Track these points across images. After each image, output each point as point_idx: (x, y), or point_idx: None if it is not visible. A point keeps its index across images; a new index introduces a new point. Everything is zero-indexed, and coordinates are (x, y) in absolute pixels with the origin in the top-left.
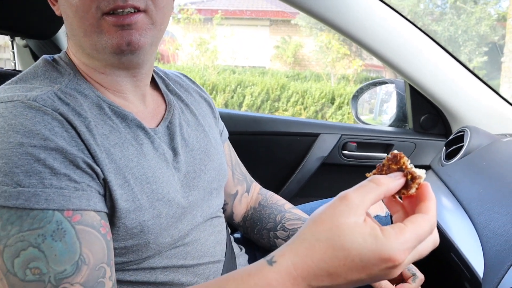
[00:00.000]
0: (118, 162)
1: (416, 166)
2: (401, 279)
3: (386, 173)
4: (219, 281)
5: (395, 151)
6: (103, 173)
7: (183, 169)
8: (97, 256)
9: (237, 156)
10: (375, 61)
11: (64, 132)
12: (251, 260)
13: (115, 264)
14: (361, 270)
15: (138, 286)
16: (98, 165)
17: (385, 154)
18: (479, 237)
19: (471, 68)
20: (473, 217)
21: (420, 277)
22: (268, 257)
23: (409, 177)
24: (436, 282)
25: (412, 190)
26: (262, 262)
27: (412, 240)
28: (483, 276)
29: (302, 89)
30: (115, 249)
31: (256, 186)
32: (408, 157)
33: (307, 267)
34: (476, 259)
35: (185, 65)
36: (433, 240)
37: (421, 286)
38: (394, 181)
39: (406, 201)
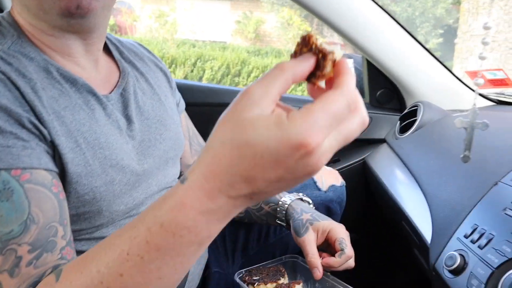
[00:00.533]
0: (69, 125)
1: (371, 140)
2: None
3: None
4: (140, 215)
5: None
6: (51, 136)
7: (138, 137)
8: (47, 214)
9: (194, 127)
10: (336, 39)
11: (7, 92)
12: None
13: None
14: (275, 166)
15: None
16: (45, 127)
17: None
18: (428, 205)
19: None
20: (423, 187)
21: (348, 253)
22: (182, 176)
23: (320, 56)
24: (387, 249)
25: (327, 69)
26: (177, 183)
27: (324, 119)
28: (430, 241)
29: (263, 65)
30: None
31: None
32: (365, 130)
33: (218, 176)
34: (425, 227)
35: (143, 37)
36: (360, 120)
37: (374, 253)
38: (301, 62)
39: (329, 87)
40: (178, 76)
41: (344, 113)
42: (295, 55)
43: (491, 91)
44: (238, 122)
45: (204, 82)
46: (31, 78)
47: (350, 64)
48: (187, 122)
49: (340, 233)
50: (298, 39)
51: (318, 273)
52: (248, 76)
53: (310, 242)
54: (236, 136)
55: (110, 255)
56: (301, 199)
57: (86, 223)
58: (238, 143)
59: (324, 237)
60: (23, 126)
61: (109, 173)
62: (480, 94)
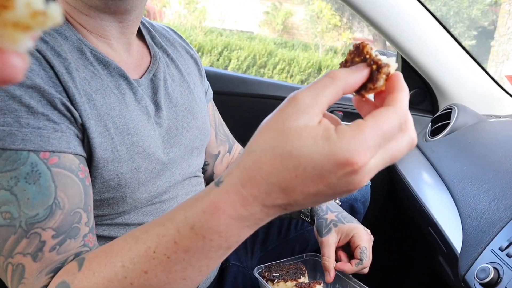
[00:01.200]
0: (100, 109)
1: None
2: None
3: None
4: (170, 213)
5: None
6: (82, 119)
7: (165, 125)
8: (73, 200)
9: (220, 116)
10: (365, 35)
11: (42, 71)
12: None
13: None
14: (317, 180)
15: None
16: (76, 110)
17: None
18: (459, 213)
19: None
20: (455, 193)
21: (365, 264)
22: (218, 178)
23: (374, 67)
24: (409, 253)
25: (380, 83)
26: (211, 185)
27: (374, 138)
28: (460, 251)
29: (289, 57)
30: None
31: (238, 147)
32: None
33: (256, 183)
34: (454, 234)
35: (171, 23)
36: (409, 140)
37: (394, 256)
38: (354, 73)
39: (378, 100)
40: (204, 64)
41: (395, 132)
42: (346, 63)
43: None
44: (284, 130)
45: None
46: (66, 58)
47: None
48: (214, 111)
49: (363, 240)
50: (351, 47)
51: (329, 277)
52: (274, 68)
53: (329, 244)
54: (280, 144)
55: (136, 250)
56: None
57: (109, 208)
58: (281, 153)
59: (347, 240)
60: (55, 107)
61: (136, 160)
62: None
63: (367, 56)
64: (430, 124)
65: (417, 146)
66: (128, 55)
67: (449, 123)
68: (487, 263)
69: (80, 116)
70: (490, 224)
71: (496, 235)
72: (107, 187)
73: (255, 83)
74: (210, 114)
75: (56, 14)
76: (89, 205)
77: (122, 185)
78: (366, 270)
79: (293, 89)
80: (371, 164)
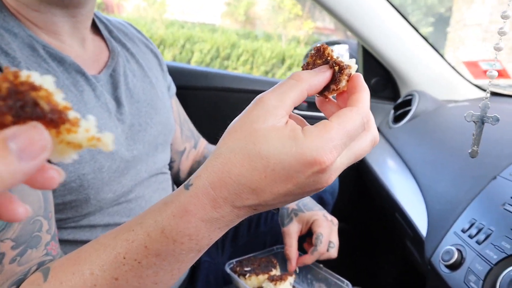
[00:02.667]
0: None
1: None
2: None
3: None
4: (139, 217)
5: (318, 44)
6: None
7: (128, 121)
8: (32, 208)
9: (184, 112)
10: (327, 24)
11: None
12: None
13: None
14: (286, 180)
15: (76, 246)
16: None
17: None
18: (423, 197)
19: None
20: (418, 178)
21: (320, 250)
22: (187, 181)
23: (336, 68)
24: (379, 240)
25: (342, 84)
26: (180, 188)
27: (339, 137)
28: (426, 234)
29: (253, 48)
30: None
31: (203, 142)
32: None
33: (225, 184)
34: (419, 219)
35: (130, 17)
36: (372, 138)
37: (365, 244)
38: (317, 74)
39: (340, 101)
40: (167, 58)
41: (358, 131)
42: (308, 66)
43: (487, 82)
44: (251, 132)
45: (193, 65)
46: (15, 57)
47: (344, 52)
48: (178, 107)
49: (321, 226)
50: (312, 51)
51: (291, 266)
52: (238, 59)
53: (290, 234)
54: (249, 146)
55: (105, 257)
56: None
57: (72, 211)
58: (250, 154)
59: (308, 228)
60: None
61: (98, 160)
62: (475, 85)
63: (329, 58)
64: (392, 111)
65: (381, 133)
66: (83, 50)
67: (410, 109)
68: (451, 245)
69: None
70: (452, 207)
71: (458, 218)
72: (69, 189)
73: (217, 77)
74: (174, 110)
75: (109, 142)
76: (50, 211)
77: (85, 187)
78: (334, 254)
79: (255, 81)
80: (337, 163)
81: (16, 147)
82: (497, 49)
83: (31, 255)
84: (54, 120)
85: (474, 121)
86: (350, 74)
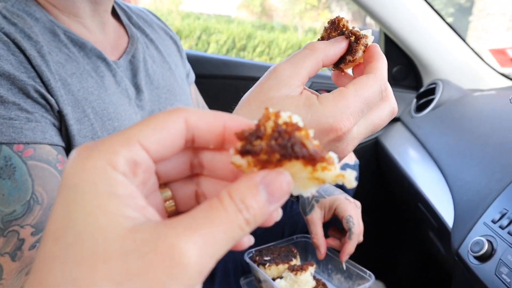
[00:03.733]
0: (76, 94)
1: None
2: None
3: None
4: None
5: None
6: (58, 105)
7: (147, 108)
8: (52, 194)
9: (203, 100)
10: (344, 14)
11: (11, 56)
12: None
13: None
14: None
15: None
16: (52, 96)
17: None
18: (449, 188)
19: None
20: (443, 168)
21: (356, 232)
22: None
23: (352, 38)
24: (400, 233)
25: (359, 54)
26: None
27: (356, 104)
28: (452, 225)
29: (269, 39)
30: None
31: None
32: None
33: None
34: (445, 209)
35: (147, 7)
36: (390, 108)
37: (385, 235)
38: (333, 44)
39: (357, 74)
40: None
41: (376, 99)
42: (323, 39)
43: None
44: (265, 101)
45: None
46: (38, 41)
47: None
48: (197, 95)
49: (347, 210)
50: (326, 24)
51: (320, 254)
52: (254, 50)
53: (314, 221)
54: None
55: None
56: None
57: None
58: None
59: (331, 213)
60: (27, 95)
61: None
62: (501, 74)
63: (344, 29)
64: (415, 100)
65: (403, 122)
66: (104, 35)
67: (433, 98)
68: (480, 236)
69: (57, 103)
70: (482, 197)
71: (488, 208)
72: None
73: (236, 65)
74: (193, 98)
75: (352, 178)
76: None
77: None
78: (361, 238)
79: None
80: (354, 132)
81: (266, 192)
82: None
83: None
84: (316, 158)
85: None
86: (367, 44)
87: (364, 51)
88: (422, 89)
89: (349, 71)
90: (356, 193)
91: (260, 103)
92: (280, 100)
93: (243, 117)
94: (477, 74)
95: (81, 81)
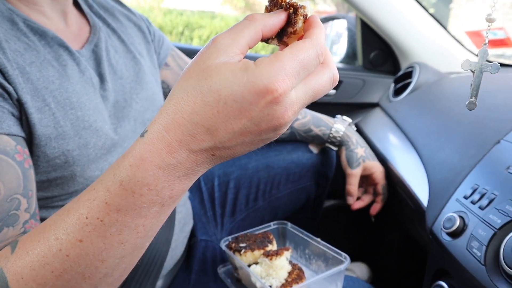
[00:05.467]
0: (36, 83)
1: (364, 104)
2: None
3: None
4: (100, 177)
5: None
6: (17, 93)
7: (111, 98)
8: (9, 186)
9: (189, 60)
10: (327, 7)
11: None
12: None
13: (38, 200)
14: (239, 115)
15: None
16: (10, 83)
17: (334, 91)
18: (424, 168)
19: None
20: (419, 148)
21: (384, 198)
22: (143, 131)
23: (291, 10)
24: (379, 216)
25: (298, 25)
26: (137, 138)
27: (291, 65)
28: (427, 204)
29: None
30: (37, 182)
31: None
32: (356, 94)
33: (179, 126)
34: (421, 190)
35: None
36: (330, 75)
37: (363, 220)
38: (272, 15)
39: None
40: None
41: (313, 63)
42: None
43: (491, 52)
44: (203, 68)
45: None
46: None
47: (342, 30)
48: (178, 60)
49: (383, 178)
50: (266, 3)
51: (352, 200)
52: None
53: (356, 176)
54: (200, 82)
55: (69, 220)
56: (349, 125)
57: (58, 189)
58: (201, 89)
59: (366, 174)
60: None
61: (83, 136)
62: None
63: (283, 3)
64: (392, 84)
65: (381, 107)
66: (65, 25)
67: (411, 82)
68: (453, 213)
69: (15, 91)
70: (455, 175)
71: (460, 184)
72: (53, 166)
73: None
74: (174, 66)
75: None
76: (30, 190)
77: (70, 163)
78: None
79: (256, 58)
80: (293, 96)
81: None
82: (490, 20)
83: (7, 233)
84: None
85: (471, 70)
86: (306, 15)
87: (304, 22)
88: (399, 73)
89: None
90: (336, 180)
91: (199, 71)
92: (218, 66)
93: (181, 90)
94: (454, 57)
95: (41, 70)
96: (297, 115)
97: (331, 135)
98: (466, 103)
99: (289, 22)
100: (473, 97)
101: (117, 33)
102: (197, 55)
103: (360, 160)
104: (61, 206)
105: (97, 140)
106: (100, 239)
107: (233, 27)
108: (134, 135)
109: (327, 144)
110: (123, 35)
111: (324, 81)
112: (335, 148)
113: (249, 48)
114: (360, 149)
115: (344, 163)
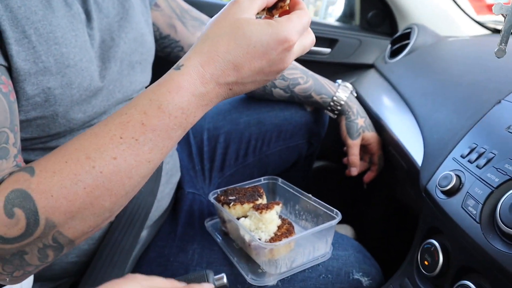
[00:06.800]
0: (16, 11)
1: (358, 65)
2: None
3: None
4: (128, 105)
5: None
6: None
7: (97, 37)
8: None
9: (183, 2)
10: None
11: None
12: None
13: None
14: (261, 56)
15: None
16: None
17: (329, 49)
18: (420, 128)
19: None
20: (415, 109)
21: (380, 167)
22: (175, 65)
23: None
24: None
25: (287, 1)
26: (170, 71)
27: (299, 25)
28: (421, 163)
29: None
30: None
31: None
32: (352, 54)
33: (213, 61)
34: (416, 150)
35: None
36: (312, 37)
37: (354, 180)
38: None
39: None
40: None
41: (306, 27)
42: None
43: (489, 19)
44: (234, 20)
45: None
46: None
47: None
48: (171, 2)
49: (380, 149)
50: None
51: (355, 171)
52: None
53: (357, 145)
54: (234, 30)
55: (99, 141)
56: (351, 93)
57: (39, 130)
58: (235, 35)
59: (363, 144)
60: None
61: (66, 74)
62: (477, 22)
63: None
64: (389, 45)
65: (377, 69)
66: None
67: (408, 43)
68: (449, 171)
69: None
70: (452, 135)
71: (457, 143)
72: (33, 104)
73: (209, 6)
74: (164, 6)
75: None
76: (16, 125)
77: (52, 102)
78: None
79: None
80: (295, 48)
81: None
82: None
83: (2, 165)
84: None
85: (503, 14)
86: None
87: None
88: (397, 34)
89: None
90: (328, 140)
91: (231, 21)
92: (247, 20)
93: (216, 35)
94: (453, 21)
95: None
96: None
97: (332, 104)
98: (495, 50)
99: None
100: (503, 44)
101: None
102: (223, 11)
103: (360, 131)
104: (42, 148)
105: (82, 81)
106: (133, 156)
107: None
108: (120, 77)
109: (326, 111)
110: None
111: (309, 41)
112: (334, 116)
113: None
114: (360, 119)
115: (344, 132)
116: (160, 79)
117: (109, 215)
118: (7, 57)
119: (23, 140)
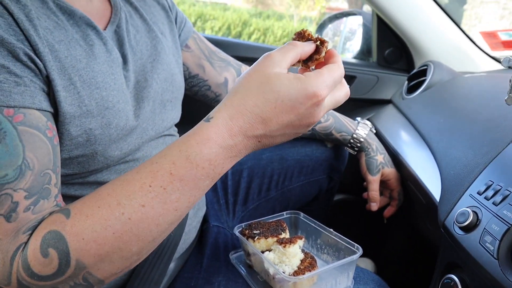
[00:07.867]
0: (64, 61)
1: (376, 100)
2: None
3: None
4: (158, 154)
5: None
6: (46, 70)
7: (133, 79)
8: (42, 161)
9: (211, 44)
10: (339, 4)
11: None
12: None
13: None
14: (290, 111)
15: None
16: (40, 60)
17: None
18: (437, 164)
19: None
20: (432, 145)
21: (400, 203)
22: (205, 117)
23: (318, 42)
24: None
25: (323, 54)
26: (200, 123)
27: (329, 80)
28: (439, 199)
29: (264, 27)
30: None
31: (246, 68)
32: (370, 90)
33: (241, 115)
34: (434, 186)
35: None
36: (346, 91)
37: (374, 215)
38: (308, 44)
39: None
40: None
41: (339, 81)
42: None
43: (504, 54)
44: (264, 75)
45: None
46: (26, 4)
47: (356, 26)
48: (200, 44)
49: (399, 185)
50: (293, 35)
51: (376, 207)
52: (249, 37)
53: (377, 182)
54: (263, 85)
55: (131, 188)
56: (371, 130)
57: (79, 167)
58: (264, 90)
59: (382, 179)
60: (16, 58)
61: (106, 116)
62: (492, 57)
63: (310, 37)
64: (406, 82)
65: (394, 104)
66: (90, 4)
67: (425, 80)
68: (466, 207)
69: (45, 67)
70: (468, 171)
71: (474, 180)
72: (76, 144)
73: (232, 45)
74: (195, 48)
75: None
76: (58, 166)
77: (92, 142)
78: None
79: (269, 50)
80: (326, 102)
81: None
82: None
83: (44, 205)
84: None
85: (510, 67)
86: (327, 46)
87: (326, 52)
88: (414, 71)
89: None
90: (348, 174)
91: (260, 76)
92: (277, 74)
93: (245, 89)
94: (468, 57)
95: (69, 48)
96: (324, 115)
97: (352, 141)
98: (505, 98)
99: (316, 51)
100: None
101: (139, 12)
102: (255, 65)
103: (380, 167)
104: (81, 183)
105: (119, 121)
106: (160, 204)
107: (280, 48)
108: (153, 116)
109: (346, 148)
110: (145, 14)
111: (343, 95)
112: (354, 152)
113: (290, 66)
114: (379, 155)
115: (363, 169)
116: (190, 130)
117: (137, 258)
118: (55, 103)
119: (64, 175)
